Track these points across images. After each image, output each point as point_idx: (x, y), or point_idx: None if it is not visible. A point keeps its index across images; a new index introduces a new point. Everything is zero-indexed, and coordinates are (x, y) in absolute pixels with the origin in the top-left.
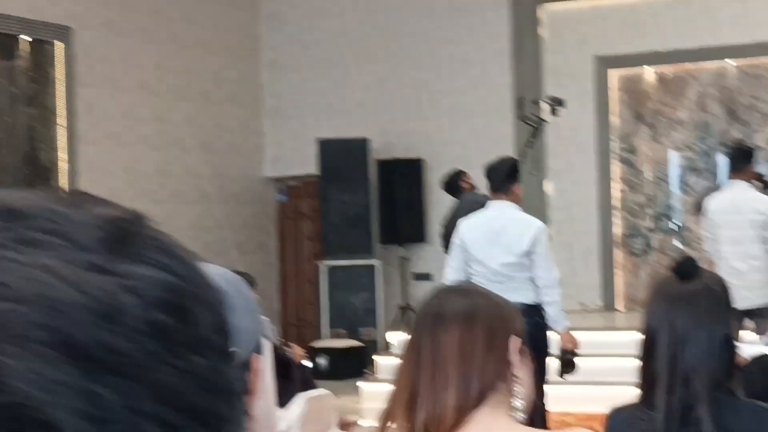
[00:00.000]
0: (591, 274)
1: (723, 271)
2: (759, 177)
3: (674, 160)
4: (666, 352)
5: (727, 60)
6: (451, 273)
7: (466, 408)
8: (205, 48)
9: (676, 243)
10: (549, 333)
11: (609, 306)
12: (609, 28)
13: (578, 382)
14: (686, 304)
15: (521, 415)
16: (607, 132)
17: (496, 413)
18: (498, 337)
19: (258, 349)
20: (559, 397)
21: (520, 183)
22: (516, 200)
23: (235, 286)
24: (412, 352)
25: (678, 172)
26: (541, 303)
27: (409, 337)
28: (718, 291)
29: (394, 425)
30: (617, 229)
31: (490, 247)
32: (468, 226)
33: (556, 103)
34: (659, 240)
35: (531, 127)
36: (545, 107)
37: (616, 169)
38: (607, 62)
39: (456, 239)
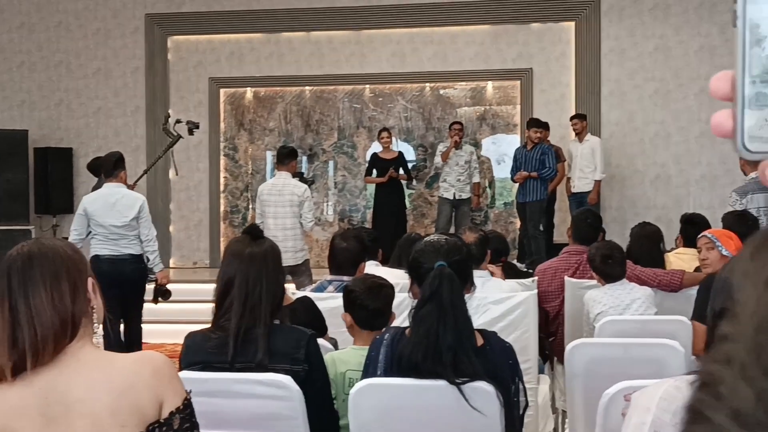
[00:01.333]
0: (203, 241)
1: None
2: (299, 173)
3: (267, 157)
4: (242, 290)
5: (306, 87)
6: (74, 234)
7: (63, 343)
8: None
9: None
10: (146, 275)
11: (214, 264)
12: (221, 57)
13: (186, 321)
14: (257, 259)
15: (100, 333)
16: (217, 135)
17: (83, 342)
18: (78, 285)
19: None
20: (161, 331)
21: (125, 170)
22: (123, 182)
23: None
24: (3, 306)
25: (270, 167)
26: (145, 253)
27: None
28: (277, 251)
29: None
30: (223, 207)
31: (109, 214)
32: (89, 201)
33: (194, 126)
34: (252, 216)
35: (171, 138)
36: (184, 127)
37: (223, 162)
38: (218, 83)
39: (80, 210)
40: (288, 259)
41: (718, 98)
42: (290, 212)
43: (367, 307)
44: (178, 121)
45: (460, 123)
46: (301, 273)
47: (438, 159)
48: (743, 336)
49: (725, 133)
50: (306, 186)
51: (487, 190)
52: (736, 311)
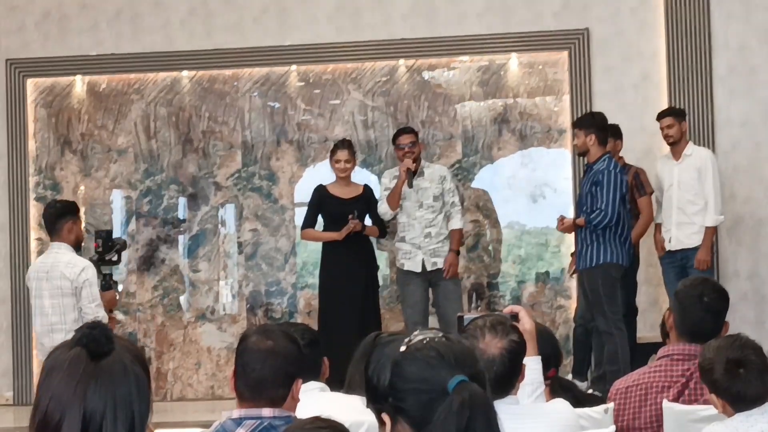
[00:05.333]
0: (1, 357)
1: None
2: (103, 232)
3: (116, 200)
4: None
5: (183, 72)
6: None
7: None
8: None
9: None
10: None
11: (23, 400)
12: (25, 23)
13: None
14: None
15: None
16: (22, 162)
17: None
18: None
19: None
20: None
21: None
22: None
23: None
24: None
25: (121, 215)
26: None
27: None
28: (141, 357)
29: None
30: None
31: None
32: None
33: None
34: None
35: None
36: None
37: (35, 211)
38: (21, 67)
39: None
40: None
41: None
42: (61, 306)
43: None
44: None
45: (411, 132)
46: None
47: (383, 206)
48: None
49: None
50: (86, 264)
51: (484, 251)
52: None
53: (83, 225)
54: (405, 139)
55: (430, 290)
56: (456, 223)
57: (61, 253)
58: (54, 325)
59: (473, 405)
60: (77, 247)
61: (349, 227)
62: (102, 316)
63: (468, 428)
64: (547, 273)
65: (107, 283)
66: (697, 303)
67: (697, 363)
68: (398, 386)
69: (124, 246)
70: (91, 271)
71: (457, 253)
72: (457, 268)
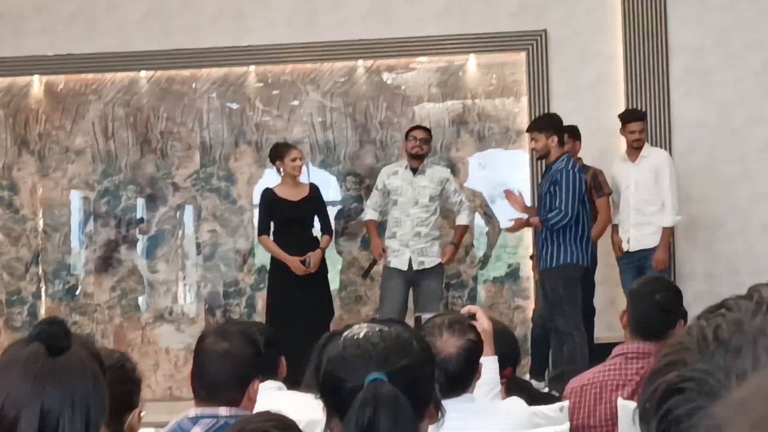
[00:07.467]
0: None
1: None
2: None
3: (74, 201)
4: None
5: (141, 72)
6: None
7: None
8: None
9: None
10: None
11: None
12: None
13: None
14: (71, 376)
15: None
16: None
17: None
18: None
19: None
20: None
21: None
22: None
23: None
24: None
25: (78, 216)
26: None
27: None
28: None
29: None
30: None
31: None
32: None
33: None
34: (50, 309)
35: None
36: None
37: None
38: None
39: None
40: None
41: None
42: None
43: None
44: None
45: (424, 129)
46: None
47: (366, 214)
48: None
49: None
50: None
51: (475, 252)
52: None
53: (41, 226)
54: (419, 134)
55: (411, 291)
56: (463, 219)
57: None
58: None
59: (378, 403)
60: None
61: (305, 269)
62: None
63: (370, 425)
64: (505, 274)
65: None
66: (648, 301)
67: (650, 362)
68: (328, 384)
69: None
70: None
71: (457, 248)
72: (453, 260)
